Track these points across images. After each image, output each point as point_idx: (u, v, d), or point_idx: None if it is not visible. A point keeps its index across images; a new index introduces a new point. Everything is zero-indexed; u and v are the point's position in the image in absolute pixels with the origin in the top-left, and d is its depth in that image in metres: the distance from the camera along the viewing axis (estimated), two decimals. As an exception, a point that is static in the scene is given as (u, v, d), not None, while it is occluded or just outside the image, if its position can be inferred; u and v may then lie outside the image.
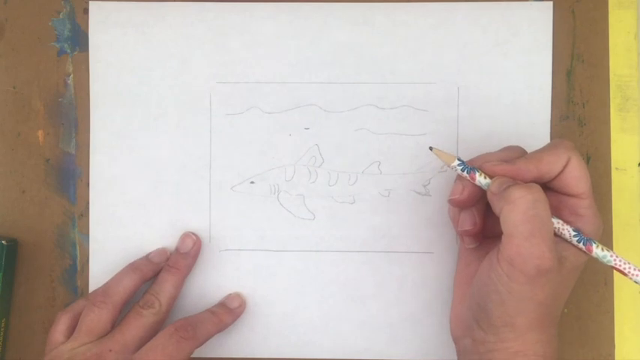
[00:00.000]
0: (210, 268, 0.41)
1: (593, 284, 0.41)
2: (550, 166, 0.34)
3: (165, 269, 0.39)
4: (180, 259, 0.40)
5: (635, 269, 0.33)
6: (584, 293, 0.41)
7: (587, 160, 0.41)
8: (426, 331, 0.41)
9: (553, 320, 0.35)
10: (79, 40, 0.42)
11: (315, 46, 0.41)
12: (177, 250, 0.40)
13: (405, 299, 0.41)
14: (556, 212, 0.35)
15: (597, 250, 0.33)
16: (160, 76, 0.41)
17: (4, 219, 0.42)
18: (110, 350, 0.35)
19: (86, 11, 0.42)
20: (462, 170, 0.35)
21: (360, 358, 0.41)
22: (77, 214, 0.42)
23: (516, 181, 0.34)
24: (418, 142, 0.41)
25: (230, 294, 0.41)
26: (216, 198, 0.41)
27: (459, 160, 0.35)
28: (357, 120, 0.41)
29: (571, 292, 0.40)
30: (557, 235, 0.34)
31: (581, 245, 0.33)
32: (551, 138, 0.41)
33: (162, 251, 0.41)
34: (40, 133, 0.42)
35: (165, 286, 0.39)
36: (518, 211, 0.31)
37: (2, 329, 0.41)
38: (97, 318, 0.37)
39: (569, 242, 0.34)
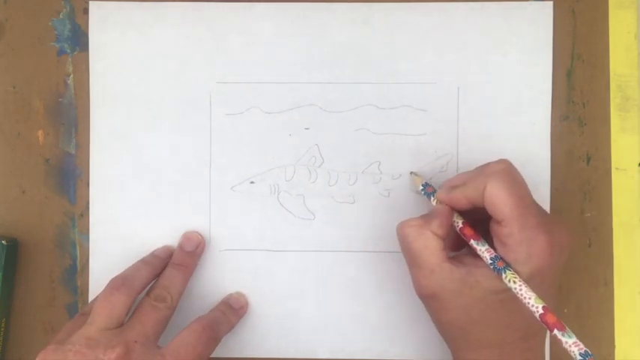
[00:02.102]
0: (210, 268, 0.41)
1: (593, 284, 0.41)
2: (475, 193, 0.34)
3: (171, 266, 0.39)
4: (186, 257, 0.40)
5: (533, 304, 0.31)
6: (585, 293, 0.41)
7: (588, 160, 0.41)
8: (425, 331, 0.41)
9: (501, 341, 0.35)
10: (79, 40, 0.42)
11: (315, 46, 0.41)
12: (181, 247, 0.40)
13: (405, 299, 0.41)
14: (491, 237, 0.35)
15: (506, 281, 0.32)
16: (160, 76, 0.41)
17: (4, 219, 0.42)
18: (135, 342, 0.34)
19: (86, 11, 0.42)
20: (424, 194, 0.39)
21: (360, 358, 0.41)
22: (77, 214, 0.42)
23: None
24: (418, 142, 0.41)
25: (232, 294, 0.41)
26: (216, 198, 0.41)
27: (422, 185, 0.39)
28: (357, 120, 0.41)
29: (572, 292, 0.41)
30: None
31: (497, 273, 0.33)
32: (552, 138, 0.41)
33: (166, 248, 0.41)
34: (40, 133, 0.42)
35: (175, 282, 0.38)
36: (402, 249, 0.37)
37: (2, 329, 0.41)
38: (116, 301, 0.35)
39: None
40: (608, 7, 0.41)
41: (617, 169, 0.41)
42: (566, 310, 0.41)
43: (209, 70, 0.41)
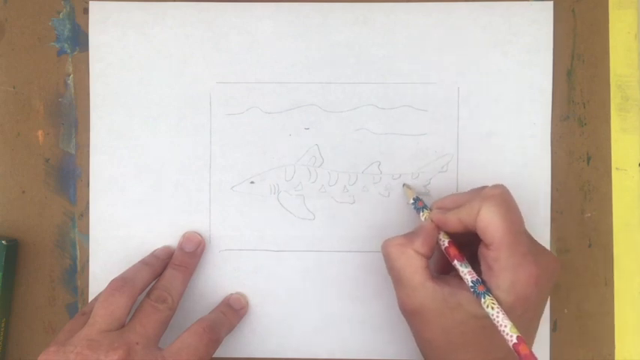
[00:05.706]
0: (210, 268, 0.41)
1: (593, 284, 0.41)
2: (469, 217, 0.34)
3: (172, 267, 0.39)
4: (186, 258, 0.40)
5: (508, 332, 0.31)
6: (585, 293, 0.41)
7: (588, 160, 0.41)
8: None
9: None
10: (79, 40, 0.42)
11: (315, 46, 0.41)
12: (181, 248, 0.40)
13: (405, 299, 0.41)
14: (477, 262, 0.35)
15: (484, 306, 0.32)
16: (160, 76, 0.41)
17: (4, 219, 0.42)
18: (137, 343, 0.34)
19: (86, 11, 0.42)
20: (414, 208, 0.39)
21: (360, 358, 0.41)
22: (77, 214, 0.42)
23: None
24: (418, 142, 0.41)
25: (232, 294, 0.41)
26: (216, 198, 0.41)
27: (413, 199, 0.39)
28: (357, 120, 0.41)
29: (572, 292, 0.41)
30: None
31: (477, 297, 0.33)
32: (552, 138, 0.41)
33: (166, 248, 0.41)
34: (40, 133, 0.42)
35: (175, 283, 0.38)
36: (387, 267, 0.37)
37: (2, 329, 0.41)
38: (117, 302, 0.35)
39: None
40: (608, 7, 0.41)
41: (617, 169, 0.41)
42: (566, 310, 0.41)
43: (209, 70, 0.41)
